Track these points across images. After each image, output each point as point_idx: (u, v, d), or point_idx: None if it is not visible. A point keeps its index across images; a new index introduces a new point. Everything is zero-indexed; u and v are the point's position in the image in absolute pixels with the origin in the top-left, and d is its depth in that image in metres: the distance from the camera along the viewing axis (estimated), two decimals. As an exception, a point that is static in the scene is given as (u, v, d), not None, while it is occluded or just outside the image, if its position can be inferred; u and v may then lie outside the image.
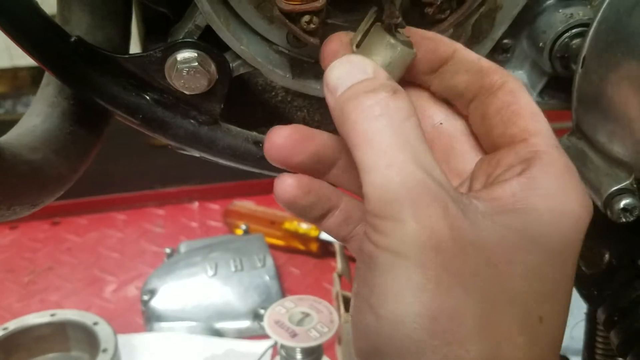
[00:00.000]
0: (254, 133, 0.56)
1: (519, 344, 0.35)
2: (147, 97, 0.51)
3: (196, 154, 0.55)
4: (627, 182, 0.43)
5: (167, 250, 1.25)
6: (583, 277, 0.50)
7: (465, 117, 0.43)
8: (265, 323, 0.91)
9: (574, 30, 0.52)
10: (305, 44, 0.48)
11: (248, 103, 0.57)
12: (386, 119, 0.35)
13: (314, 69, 0.55)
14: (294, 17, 0.46)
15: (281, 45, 0.52)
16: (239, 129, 0.55)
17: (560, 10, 0.54)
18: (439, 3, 0.45)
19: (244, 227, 1.36)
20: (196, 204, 1.49)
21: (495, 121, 0.40)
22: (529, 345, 0.35)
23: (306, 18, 0.46)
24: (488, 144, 0.42)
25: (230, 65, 0.50)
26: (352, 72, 0.38)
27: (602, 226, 0.51)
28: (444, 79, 0.42)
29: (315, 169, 0.42)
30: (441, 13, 0.47)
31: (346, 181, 0.43)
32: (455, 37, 0.57)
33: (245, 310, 1.12)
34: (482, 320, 0.34)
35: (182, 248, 1.25)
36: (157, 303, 1.12)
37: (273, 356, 1.02)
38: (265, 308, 1.04)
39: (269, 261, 1.19)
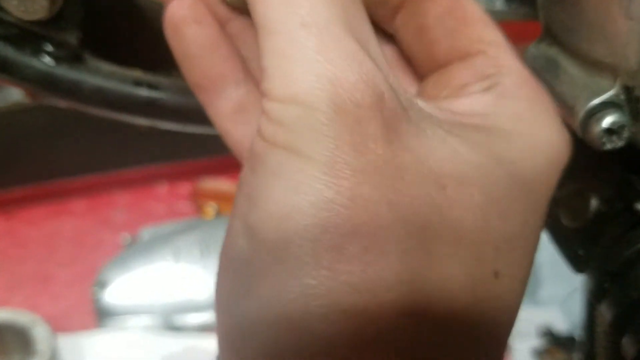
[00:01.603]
0: (136, 72, 0.44)
1: (461, 301, 0.24)
2: (-18, 30, 0.40)
3: (62, 103, 0.44)
4: (611, 92, 0.31)
5: (126, 239, 1.14)
6: (565, 233, 0.37)
7: (391, 37, 0.32)
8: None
9: None
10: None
11: (126, 32, 0.45)
12: None
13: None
14: None
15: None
16: (113, 67, 0.43)
17: None
18: None
19: (214, 208, 1.26)
20: (164, 186, 1.38)
21: (437, 33, 0.30)
22: (473, 306, 0.24)
23: None
24: (429, 64, 0.31)
25: (82, -23, 0.39)
26: None
27: (586, 164, 0.39)
28: None
29: None
30: None
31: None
32: None
33: (209, 301, 1.01)
34: (408, 256, 0.22)
35: (144, 235, 1.14)
36: (110, 297, 1.01)
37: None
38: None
39: (238, 244, 1.08)
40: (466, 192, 0.24)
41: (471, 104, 0.28)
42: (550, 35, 0.36)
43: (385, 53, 0.32)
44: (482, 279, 0.24)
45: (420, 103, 0.26)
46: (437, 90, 0.30)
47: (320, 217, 0.21)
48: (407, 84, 0.32)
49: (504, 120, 0.27)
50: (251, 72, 0.33)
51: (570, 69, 0.34)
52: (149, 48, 0.46)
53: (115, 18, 0.44)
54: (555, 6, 0.35)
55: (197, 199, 1.32)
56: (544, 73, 0.36)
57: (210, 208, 1.27)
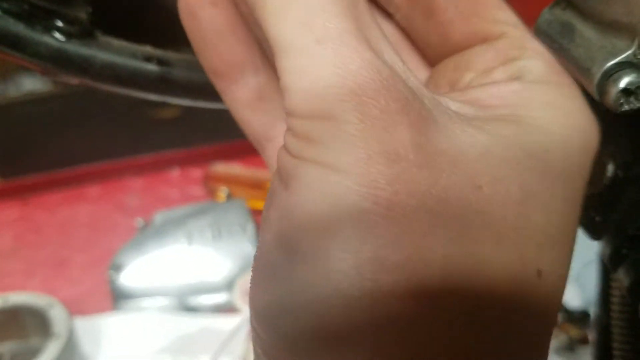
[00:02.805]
0: (146, 47, 0.44)
1: (506, 303, 0.23)
2: (-6, 7, 0.40)
3: (74, 80, 0.44)
4: (629, 52, 0.30)
5: (140, 223, 1.14)
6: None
7: (390, 17, 0.31)
8: (235, 294, 0.80)
9: None
10: None
11: (134, 8, 0.45)
12: None
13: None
14: None
15: None
16: (123, 42, 0.43)
17: None
18: None
19: (225, 192, 1.26)
20: (177, 171, 1.38)
21: (450, 15, 0.28)
22: (517, 310, 0.24)
23: None
24: (442, 48, 0.29)
25: (91, -50, 0.39)
26: None
27: (602, 128, 0.38)
28: None
29: None
30: None
31: None
32: None
33: (222, 282, 1.01)
34: (452, 261, 0.22)
35: (158, 219, 1.14)
36: (126, 280, 1.02)
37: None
38: (246, 278, 0.93)
39: (250, 227, 1.07)
40: (503, 189, 0.23)
41: (499, 93, 0.26)
42: (565, 1, 0.35)
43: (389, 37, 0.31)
44: (525, 279, 0.23)
45: (445, 100, 0.25)
46: (458, 74, 0.29)
47: (360, 228, 0.21)
48: (415, 68, 0.31)
49: (534, 108, 0.26)
50: (268, 56, 0.31)
51: (586, 32, 0.33)
52: (157, 24, 0.46)
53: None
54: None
55: (209, 183, 1.33)
56: (559, 38, 0.35)
57: (222, 192, 1.27)
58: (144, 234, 1.10)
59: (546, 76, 0.27)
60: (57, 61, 0.42)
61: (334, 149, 0.22)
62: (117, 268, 1.03)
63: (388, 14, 0.31)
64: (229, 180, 1.29)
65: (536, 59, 0.27)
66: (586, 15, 0.33)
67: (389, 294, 0.21)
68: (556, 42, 0.35)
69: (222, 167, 1.33)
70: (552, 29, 0.36)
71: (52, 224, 1.25)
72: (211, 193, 1.31)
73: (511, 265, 0.23)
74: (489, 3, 0.28)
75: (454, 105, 0.25)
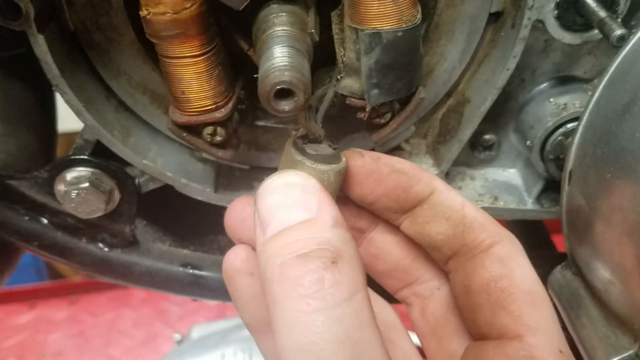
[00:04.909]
0: (184, 251, 0.47)
1: None
2: (44, 221, 0.43)
3: (111, 280, 0.47)
4: (631, 352, 0.31)
5: (177, 337, 1.16)
6: None
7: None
8: None
9: (568, 126, 0.41)
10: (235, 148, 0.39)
11: (177, 215, 0.48)
12: (317, 301, 0.25)
13: (249, 176, 0.45)
14: (194, 128, 0.37)
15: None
16: (163, 248, 0.46)
17: (552, 100, 0.42)
18: (369, 108, 0.35)
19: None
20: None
21: (481, 300, 0.29)
22: None
23: (208, 130, 0.37)
24: (471, 326, 0.31)
25: (137, 180, 0.42)
26: (290, 204, 0.29)
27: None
28: (417, 223, 0.32)
29: None
30: (379, 117, 0.37)
31: None
32: (420, 135, 0.46)
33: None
34: None
35: (194, 332, 1.16)
36: (156, 401, 1.03)
37: None
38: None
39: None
40: None
41: None
42: (575, 265, 0.36)
43: (442, 294, 0.33)
44: None
45: None
46: None
47: None
48: (458, 342, 0.32)
49: None
50: None
51: (592, 311, 0.34)
52: (196, 228, 0.48)
53: (167, 204, 0.47)
54: (578, 243, 0.35)
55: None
56: (567, 307, 0.36)
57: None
58: (180, 349, 1.11)
59: None
60: (99, 268, 0.45)
61: None
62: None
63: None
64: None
65: None
66: (593, 291, 0.34)
67: None
68: (565, 310, 0.36)
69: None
70: (562, 294, 0.37)
71: (96, 327, 1.28)
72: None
73: None
74: (520, 296, 0.28)
75: None
